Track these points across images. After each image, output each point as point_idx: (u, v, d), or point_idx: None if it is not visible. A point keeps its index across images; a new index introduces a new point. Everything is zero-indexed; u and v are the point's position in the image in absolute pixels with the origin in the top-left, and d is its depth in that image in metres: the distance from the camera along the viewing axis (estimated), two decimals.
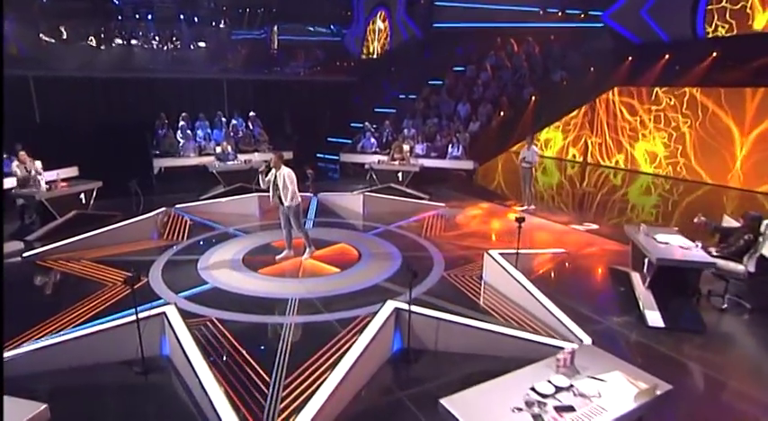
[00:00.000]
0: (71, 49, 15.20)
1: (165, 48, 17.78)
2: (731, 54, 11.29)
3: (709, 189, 12.31)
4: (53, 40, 15.23)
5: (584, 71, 13.56)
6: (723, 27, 11.94)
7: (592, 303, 5.83)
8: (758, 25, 11.44)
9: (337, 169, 13.62)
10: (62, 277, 6.41)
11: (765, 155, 11.46)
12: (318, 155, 14.70)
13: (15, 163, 8.36)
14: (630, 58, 13.17)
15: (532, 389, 3.00)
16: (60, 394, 3.93)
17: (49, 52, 14.47)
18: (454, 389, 3.04)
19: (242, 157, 11.47)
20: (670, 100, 13.28)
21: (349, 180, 12.55)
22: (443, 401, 2.93)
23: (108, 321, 4.66)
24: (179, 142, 12.25)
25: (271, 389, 4.03)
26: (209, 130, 12.96)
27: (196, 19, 18.44)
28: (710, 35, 12.09)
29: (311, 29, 20.81)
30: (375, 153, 12.80)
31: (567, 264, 7.19)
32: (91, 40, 16.05)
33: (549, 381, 3.05)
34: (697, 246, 5.76)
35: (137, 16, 17.24)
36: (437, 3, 17.89)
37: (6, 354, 4.10)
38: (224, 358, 4.47)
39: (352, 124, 15.48)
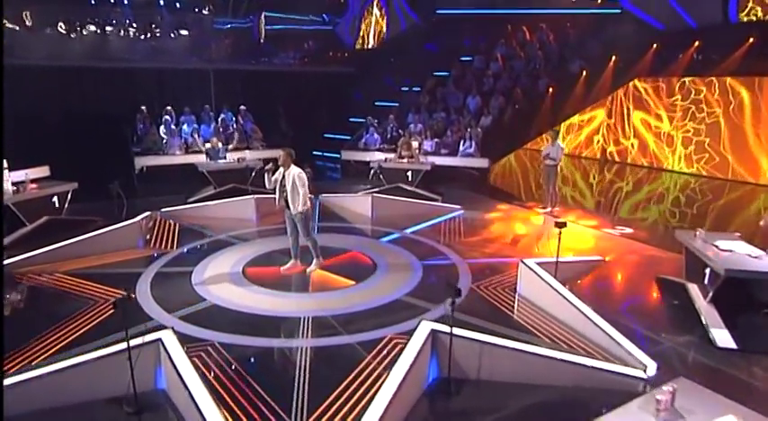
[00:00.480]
0: (38, 37, 14.61)
1: (144, 36, 17.27)
2: None
3: (751, 188, 11.90)
4: (16, 28, 14.62)
5: (604, 60, 13.23)
6: (758, 10, 11.63)
7: (643, 319, 5.45)
8: None
9: (338, 168, 13.19)
10: (32, 295, 5.89)
11: None
12: (315, 152, 14.25)
13: None
14: (655, 46, 12.85)
15: None
16: None
17: (12, 40, 13.85)
18: None
19: (233, 155, 10.98)
20: (700, 91, 12.97)
21: (351, 180, 12.16)
22: None
23: (92, 350, 4.14)
24: (163, 138, 11.72)
25: None
26: (195, 125, 12.44)
27: (177, 5, 17.95)
28: (745, 19, 11.79)
29: (302, 18, 20.42)
30: (379, 150, 12.39)
31: (606, 273, 6.82)
32: (61, 27, 15.45)
33: None
34: None
35: (111, 1, 16.69)
36: None
37: None
38: (232, 391, 4.00)
39: (351, 119, 15.14)
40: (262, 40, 20.21)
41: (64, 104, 12.27)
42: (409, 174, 10.83)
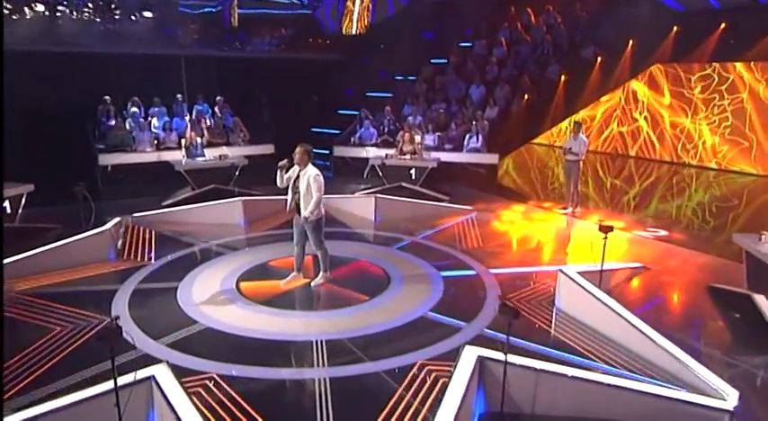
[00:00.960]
0: None
1: (101, 18, 16.58)
2: None
3: None
4: None
5: (620, 45, 13.05)
6: None
7: (705, 337, 5.17)
8: None
9: (328, 165, 12.73)
10: None
11: None
12: None
13: None
14: (676, 29, 12.70)
15: None
16: None
17: None
18: None
19: (213, 152, 10.47)
20: (725, 80, 12.85)
21: (344, 178, 11.79)
22: None
23: (59, 394, 3.62)
24: (130, 132, 11.12)
25: None
26: (167, 118, 11.86)
27: None
28: None
29: (278, 1, 19.98)
30: (375, 145, 11.97)
31: (650, 282, 6.53)
32: (3, 6, 14.68)
33: None
34: None
35: None
36: None
37: None
38: None
39: (339, 111, 14.70)
40: (235, 24, 19.69)
41: (12, 95, 11.58)
42: (413, 171, 10.44)
